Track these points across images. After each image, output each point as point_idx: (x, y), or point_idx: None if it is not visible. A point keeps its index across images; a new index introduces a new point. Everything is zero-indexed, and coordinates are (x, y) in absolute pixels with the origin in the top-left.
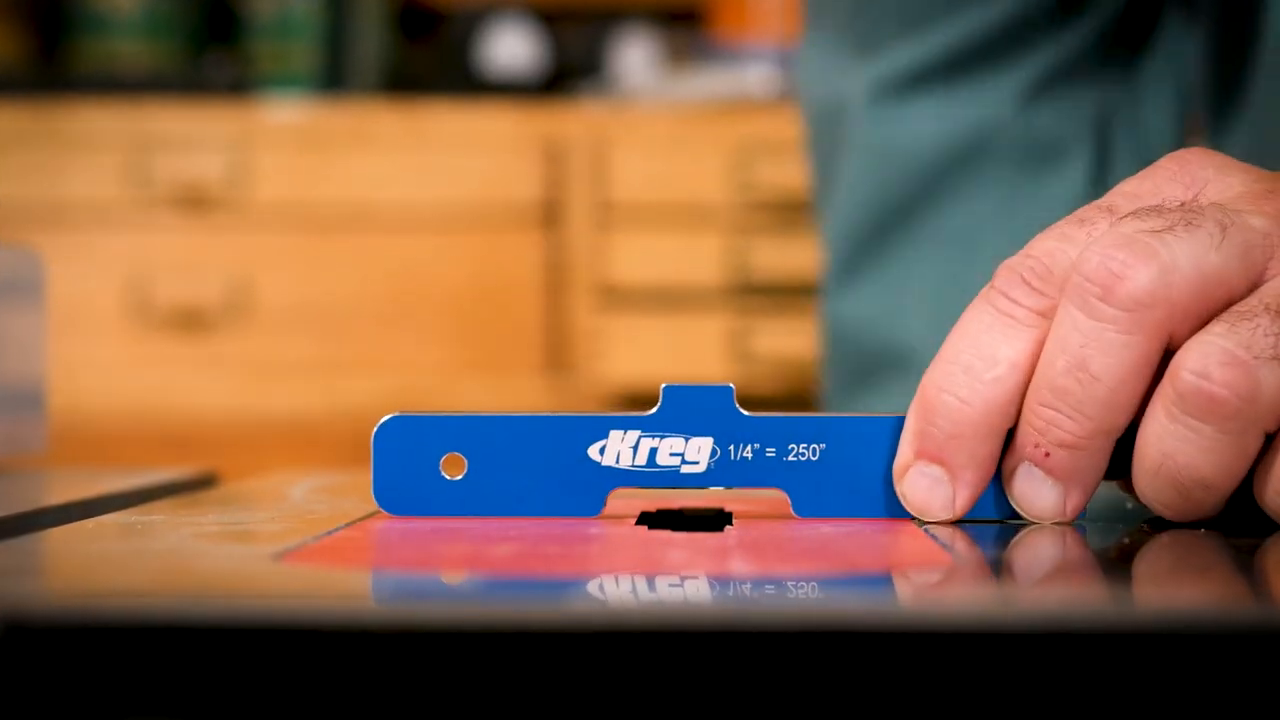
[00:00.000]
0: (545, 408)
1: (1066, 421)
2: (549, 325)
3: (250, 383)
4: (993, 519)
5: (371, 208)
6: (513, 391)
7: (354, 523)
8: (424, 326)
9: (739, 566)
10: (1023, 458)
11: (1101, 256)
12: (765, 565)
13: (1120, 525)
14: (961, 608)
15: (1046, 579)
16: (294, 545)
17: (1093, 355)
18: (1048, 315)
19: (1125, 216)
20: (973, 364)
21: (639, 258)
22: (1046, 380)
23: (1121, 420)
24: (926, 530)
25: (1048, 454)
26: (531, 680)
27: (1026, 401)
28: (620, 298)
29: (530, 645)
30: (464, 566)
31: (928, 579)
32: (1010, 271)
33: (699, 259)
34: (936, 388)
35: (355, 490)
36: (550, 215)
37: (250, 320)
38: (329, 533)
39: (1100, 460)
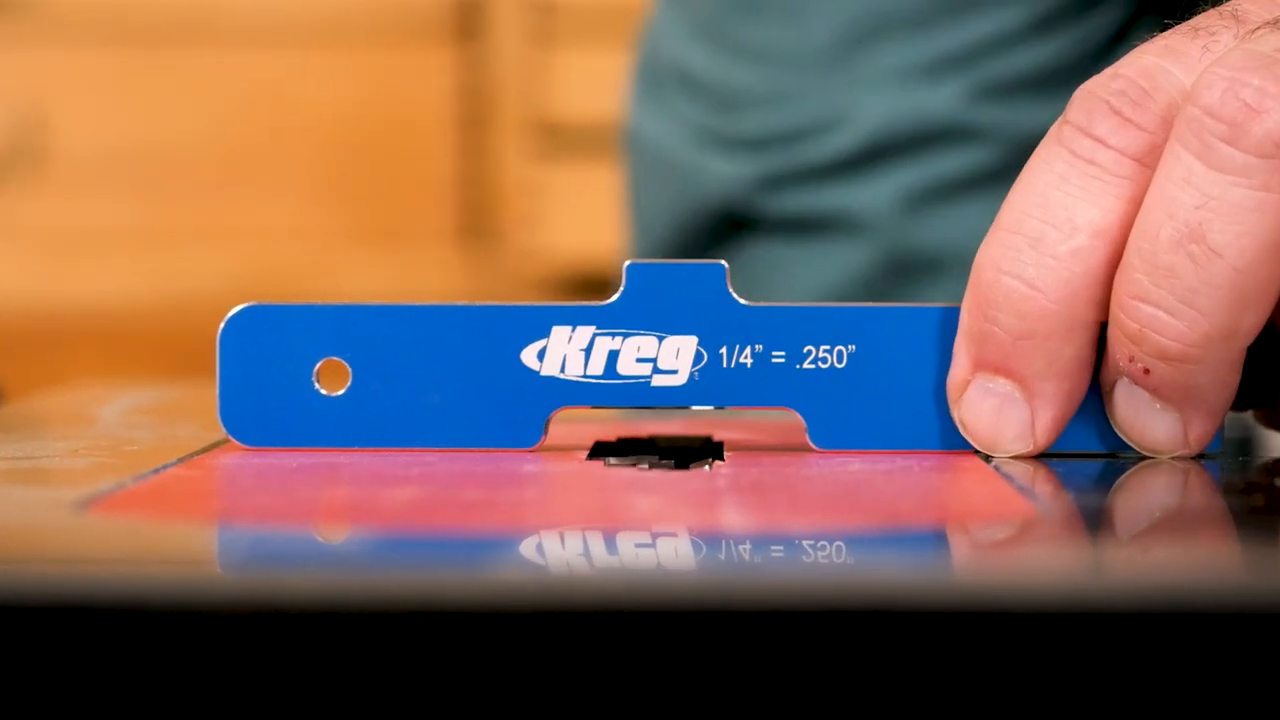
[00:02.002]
0: (461, 294)
1: (1170, 322)
2: (465, 177)
3: (42, 259)
4: (1093, 451)
5: (215, 10)
6: (416, 270)
7: (190, 457)
8: (289, 180)
9: (734, 519)
10: (1119, 373)
11: (1229, 82)
12: (770, 517)
13: (1269, 458)
14: (1046, 579)
15: (1161, 539)
16: (105, 489)
17: (1213, 220)
18: (1145, 161)
19: (1260, 28)
20: (1044, 233)
21: (589, 83)
22: (1145, 257)
23: (1250, 319)
24: (997, 468)
25: (1147, 370)
26: (442, 675)
27: (1115, 292)
28: (564, 139)
29: (441, 629)
30: (346, 519)
31: (998, 537)
32: (1091, 98)
33: None
34: (995, 269)
35: (192, 410)
36: (467, 23)
37: (42, 172)
38: (155, 471)
39: (1225, 374)
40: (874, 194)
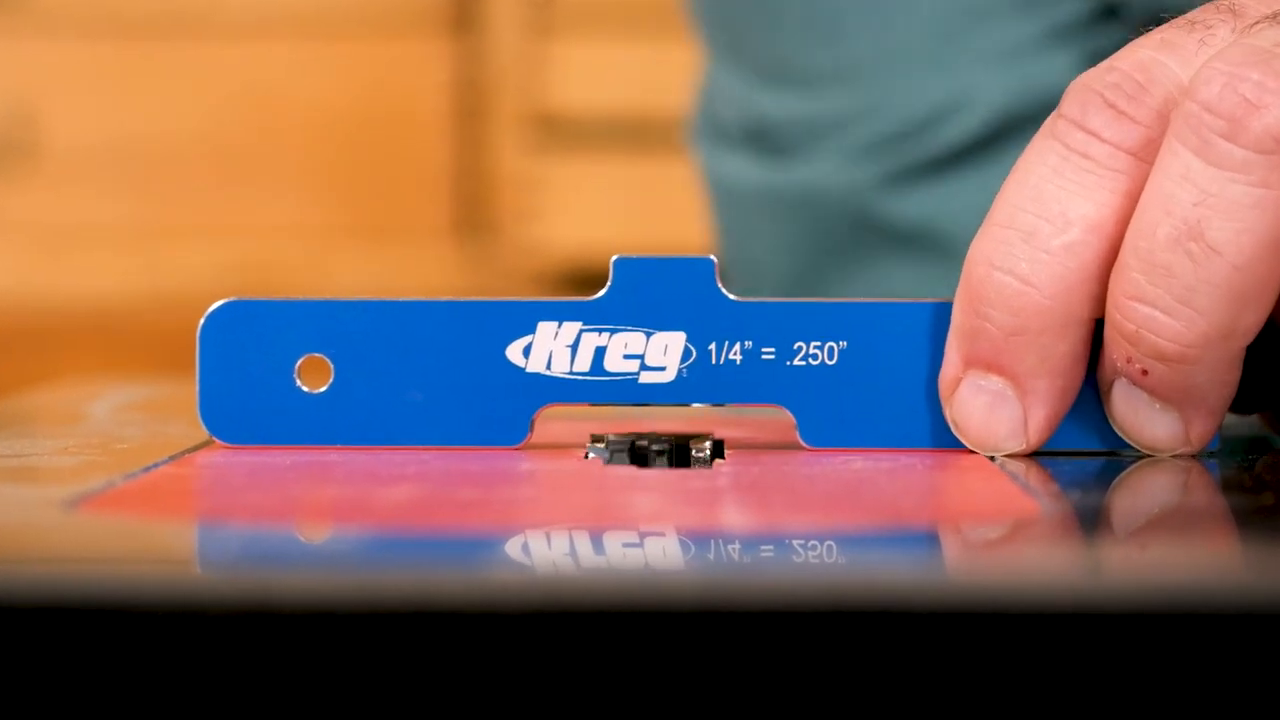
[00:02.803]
0: (457, 290)
1: (1168, 322)
2: (462, 171)
3: (34, 254)
4: (1091, 449)
5: (208, 3)
6: (412, 265)
7: (181, 455)
8: (283, 174)
9: (735, 518)
10: (1117, 373)
11: (1228, 77)
12: (772, 516)
13: (1269, 456)
14: (1053, 578)
15: (1167, 538)
16: (95, 487)
17: (1212, 218)
18: (1141, 156)
19: (1259, 22)
20: (1036, 227)
21: (587, 75)
22: (1141, 256)
23: (1250, 318)
24: (1002, 466)
25: (1145, 370)
26: (440, 677)
27: (1111, 292)
28: (562, 132)
29: (437, 630)
30: (340, 518)
31: (1003, 536)
32: (1086, 91)
33: (670, 78)
34: (987, 264)
35: (183, 407)
36: (463, 14)
37: (34, 166)
38: (145, 469)
39: (1224, 373)
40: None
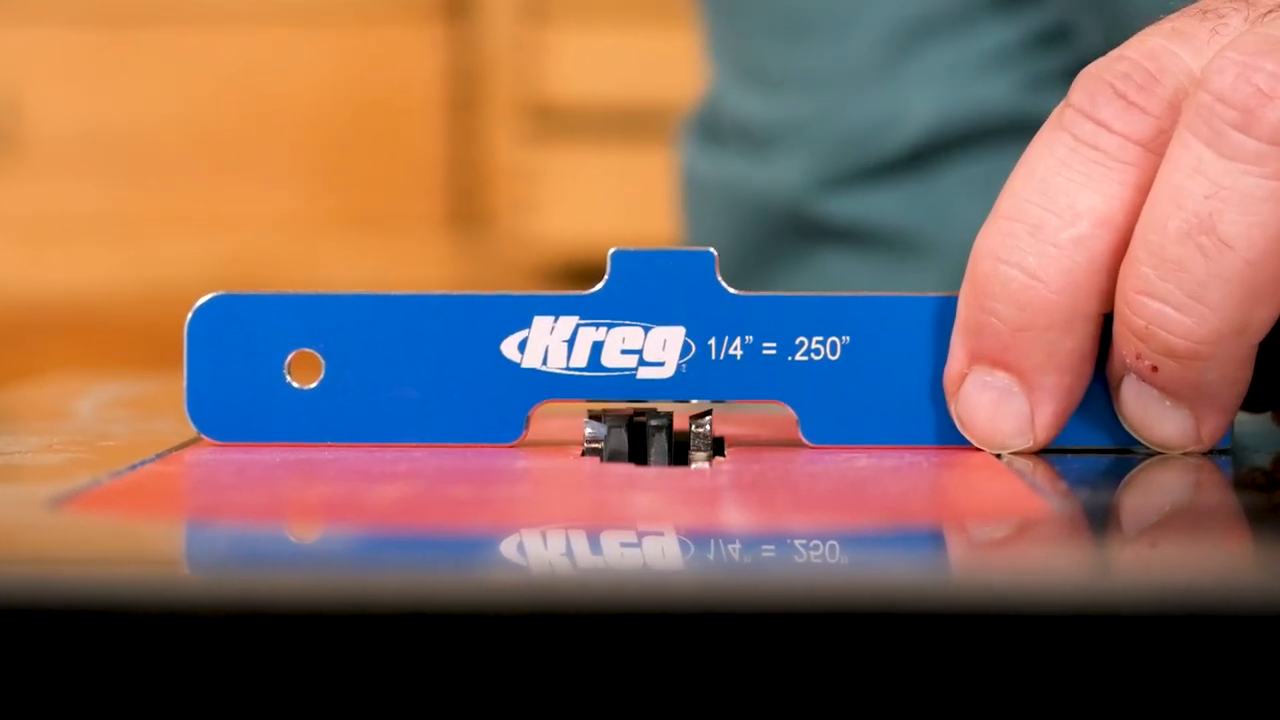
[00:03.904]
0: (451, 283)
1: (1178, 318)
2: (455, 161)
3: (17, 246)
4: (1100, 446)
5: None
6: (404, 258)
7: (168, 453)
8: (273, 164)
9: (736, 517)
10: (1126, 369)
11: (1241, 67)
12: (774, 515)
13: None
14: (1063, 579)
15: (1179, 537)
16: (80, 486)
17: (1224, 211)
18: (1151, 147)
19: (1273, 10)
20: (1043, 220)
21: (583, 63)
22: (1152, 250)
23: (1262, 313)
24: (1009, 464)
25: (1155, 367)
26: (430, 683)
27: (1120, 286)
28: (558, 121)
29: (429, 632)
30: (331, 517)
31: (1012, 535)
32: (1095, 81)
33: (668, 67)
34: (993, 257)
35: (170, 404)
36: (457, 1)
37: (16, 156)
38: (132, 467)
39: (1236, 369)
40: (938, 198)
